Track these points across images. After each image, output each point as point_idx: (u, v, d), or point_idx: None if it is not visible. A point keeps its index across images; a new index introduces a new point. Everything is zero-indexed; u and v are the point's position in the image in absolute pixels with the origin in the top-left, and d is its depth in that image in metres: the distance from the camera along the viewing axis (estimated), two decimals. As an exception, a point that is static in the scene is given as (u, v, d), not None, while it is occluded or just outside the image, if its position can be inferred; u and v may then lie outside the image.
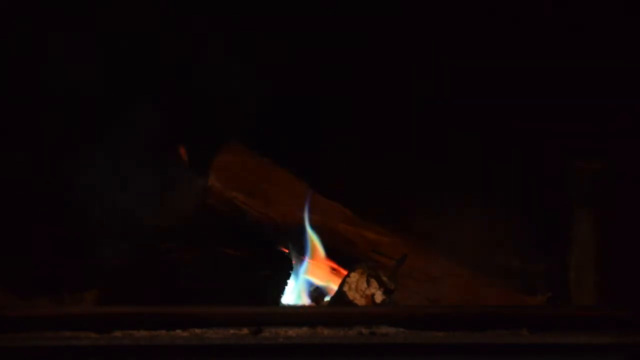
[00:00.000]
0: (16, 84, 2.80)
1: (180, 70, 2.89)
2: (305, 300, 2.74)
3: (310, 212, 2.77)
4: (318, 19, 2.93)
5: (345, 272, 2.69)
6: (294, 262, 2.75)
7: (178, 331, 2.29)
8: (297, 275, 2.75)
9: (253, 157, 2.91)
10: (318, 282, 2.77)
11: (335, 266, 2.79)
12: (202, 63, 2.90)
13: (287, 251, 2.77)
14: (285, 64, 2.94)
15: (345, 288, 2.62)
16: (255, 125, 2.92)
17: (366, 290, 2.62)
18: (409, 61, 2.97)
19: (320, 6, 2.91)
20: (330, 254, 2.80)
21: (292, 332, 2.30)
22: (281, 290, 2.70)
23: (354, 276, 2.63)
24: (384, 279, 2.63)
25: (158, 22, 2.85)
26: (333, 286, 2.73)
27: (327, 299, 2.75)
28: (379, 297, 2.61)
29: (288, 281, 2.72)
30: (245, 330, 2.30)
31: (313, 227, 2.77)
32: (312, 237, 2.76)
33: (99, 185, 2.79)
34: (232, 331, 2.30)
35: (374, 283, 2.62)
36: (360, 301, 2.61)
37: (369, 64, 2.98)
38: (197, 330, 2.30)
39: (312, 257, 2.77)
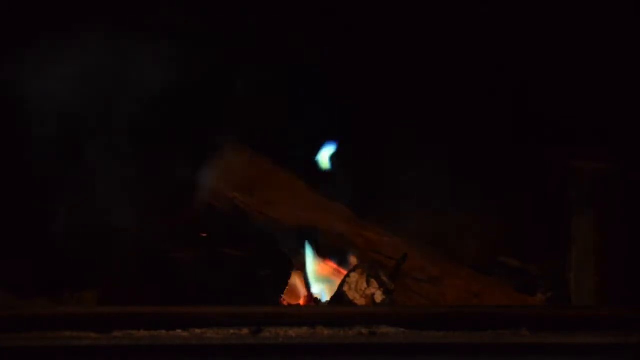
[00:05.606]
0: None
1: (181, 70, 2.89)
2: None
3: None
4: (317, 20, 2.94)
5: (345, 272, 2.69)
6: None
7: (178, 331, 2.29)
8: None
9: (253, 157, 2.92)
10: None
11: (335, 266, 2.80)
12: (203, 63, 2.91)
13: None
14: (286, 63, 2.95)
15: (345, 288, 2.62)
16: (255, 126, 2.93)
17: (366, 290, 2.62)
18: (409, 61, 2.97)
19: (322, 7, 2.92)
20: (331, 254, 2.80)
21: (292, 332, 2.30)
22: (281, 290, 2.70)
23: (354, 276, 2.64)
24: (384, 279, 2.63)
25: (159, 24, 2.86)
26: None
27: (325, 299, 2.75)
28: (379, 297, 2.61)
29: (288, 281, 2.72)
30: (245, 330, 2.29)
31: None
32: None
33: (100, 185, 2.79)
34: (232, 331, 2.30)
35: (374, 283, 2.62)
36: (360, 301, 2.61)
37: (369, 64, 2.99)
38: (197, 330, 2.30)
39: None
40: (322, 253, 2.79)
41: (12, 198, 2.84)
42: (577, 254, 2.86)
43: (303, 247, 2.77)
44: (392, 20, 2.94)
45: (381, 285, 2.62)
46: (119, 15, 2.80)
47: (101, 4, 2.81)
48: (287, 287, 2.73)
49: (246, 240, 2.76)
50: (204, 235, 2.79)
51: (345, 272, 2.69)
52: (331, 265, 2.79)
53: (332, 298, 2.68)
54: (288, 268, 2.72)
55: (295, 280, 2.75)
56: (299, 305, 2.72)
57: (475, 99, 2.98)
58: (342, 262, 2.79)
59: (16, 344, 2.22)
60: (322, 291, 2.75)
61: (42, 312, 2.40)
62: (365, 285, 2.62)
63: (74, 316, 2.34)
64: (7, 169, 2.83)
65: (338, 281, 2.69)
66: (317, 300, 2.73)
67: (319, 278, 2.77)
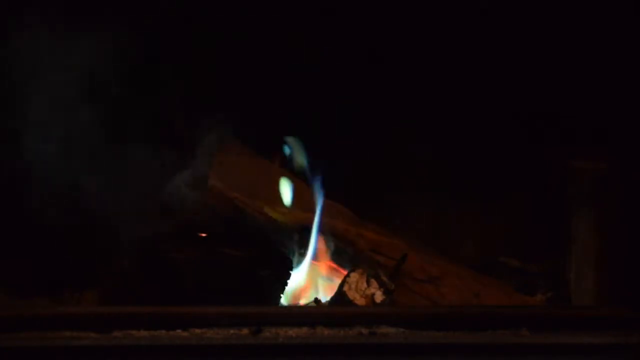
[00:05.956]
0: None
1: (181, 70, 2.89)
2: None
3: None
4: (317, 20, 2.94)
5: (345, 272, 2.69)
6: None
7: (178, 331, 2.29)
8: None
9: (253, 157, 2.92)
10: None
11: (335, 266, 2.80)
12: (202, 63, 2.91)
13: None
14: (285, 64, 2.95)
15: (345, 288, 2.62)
16: (256, 126, 2.93)
17: (366, 290, 2.62)
18: (409, 61, 2.97)
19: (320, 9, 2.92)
20: (331, 253, 2.80)
21: (292, 332, 2.30)
22: (281, 290, 2.70)
23: (354, 276, 2.64)
24: (384, 279, 2.63)
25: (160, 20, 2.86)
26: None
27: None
28: (379, 297, 2.61)
29: (288, 281, 2.72)
30: (245, 330, 2.30)
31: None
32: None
33: (99, 185, 2.80)
34: (232, 331, 2.30)
35: (374, 283, 2.62)
36: (360, 301, 2.61)
37: (369, 64, 2.99)
38: (197, 330, 2.30)
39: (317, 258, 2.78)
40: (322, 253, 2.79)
41: (12, 198, 2.84)
42: (577, 254, 2.86)
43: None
44: (392, 20, 2.94)
45: (381, 285, 2.62)
46: (117, 15, 2.80)
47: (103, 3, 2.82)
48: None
49: (246, 240, 2.76)
50: (204, 235, 2.79)
51: (345, 272, 2.69)
52: (331, 264, 2.79)
53: (332, 298, 2.68)
54: (288, 268, 2.72)
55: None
56: (299, 305, 2.72)
57: (476, 98, 2.98)
58: (342, 262, 2.80)
59: (16, 344, 2.23)
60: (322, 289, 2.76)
61: (42, 312, 2.40)
62: (365, 285, 2.62)
63: (74, 316, 2.34)
64: (6, 168, 2.83)
65: (338, 281, 2.69)
66: (317, 300, 2.73)
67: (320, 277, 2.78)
